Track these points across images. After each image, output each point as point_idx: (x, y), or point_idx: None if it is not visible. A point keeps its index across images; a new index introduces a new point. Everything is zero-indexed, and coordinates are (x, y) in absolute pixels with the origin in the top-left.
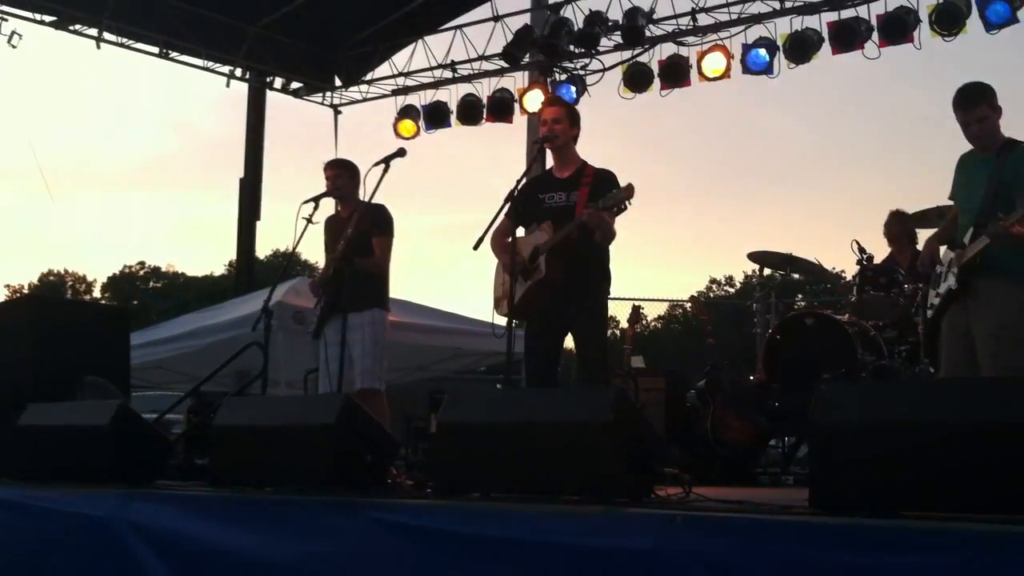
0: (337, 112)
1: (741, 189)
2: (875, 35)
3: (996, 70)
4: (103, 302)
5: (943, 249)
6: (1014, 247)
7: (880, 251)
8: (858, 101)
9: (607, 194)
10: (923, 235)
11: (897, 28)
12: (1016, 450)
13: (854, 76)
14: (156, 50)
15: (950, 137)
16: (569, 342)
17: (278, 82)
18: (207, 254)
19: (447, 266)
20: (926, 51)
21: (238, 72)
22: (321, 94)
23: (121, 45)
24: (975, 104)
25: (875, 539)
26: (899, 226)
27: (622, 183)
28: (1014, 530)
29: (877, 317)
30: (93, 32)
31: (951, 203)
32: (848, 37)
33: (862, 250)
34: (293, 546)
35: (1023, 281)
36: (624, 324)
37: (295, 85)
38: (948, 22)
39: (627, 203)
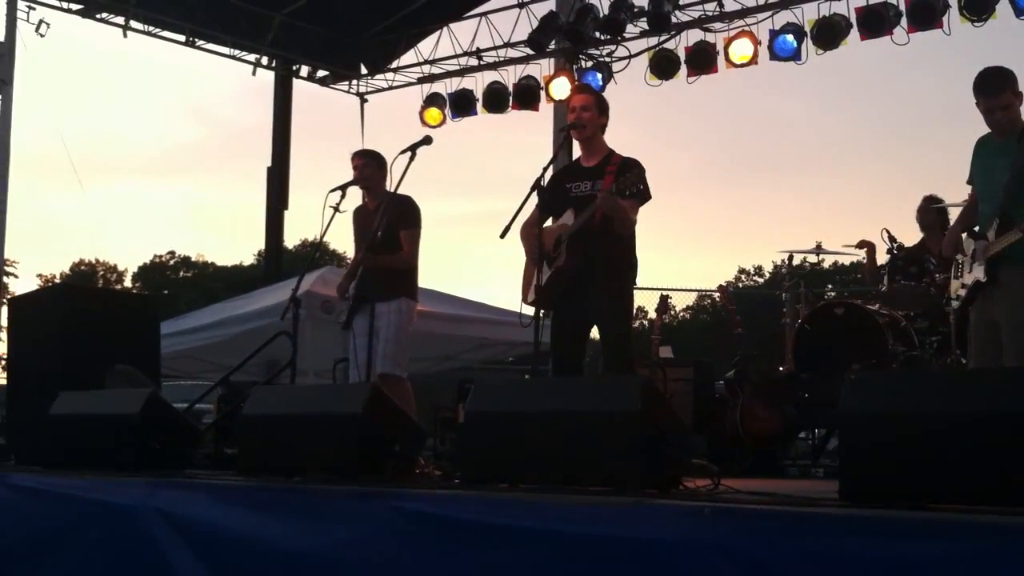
0: (363, 100)
1: (770, 177)
2: (904, 20)
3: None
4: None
5: (965, 236)
6: None
7: (912, 239)
8: (885, 87)
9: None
10: None
11: (926, 13)
12: None
13: (881, 61)
14: (182, 39)
15: (976, 124)
16: (595, 332)
17: (304, 70)
18: (236, 243)
19: (474, 254)
20: (954, 37)
21: (264, 61)
22: (347, 82)
23: (147, 33)
24: (1000, 91)
25: (906, 531)
26: (932, 213)
27: (649, 171)
28: None
29: (908, 307)
30: (120, 20)
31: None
32: (877, 22)
33: (892, 239)
34: (320, 535)
35: None
36: (652, 314)
37: (321, 73)
38: (978, 7)
39: (640, 187)
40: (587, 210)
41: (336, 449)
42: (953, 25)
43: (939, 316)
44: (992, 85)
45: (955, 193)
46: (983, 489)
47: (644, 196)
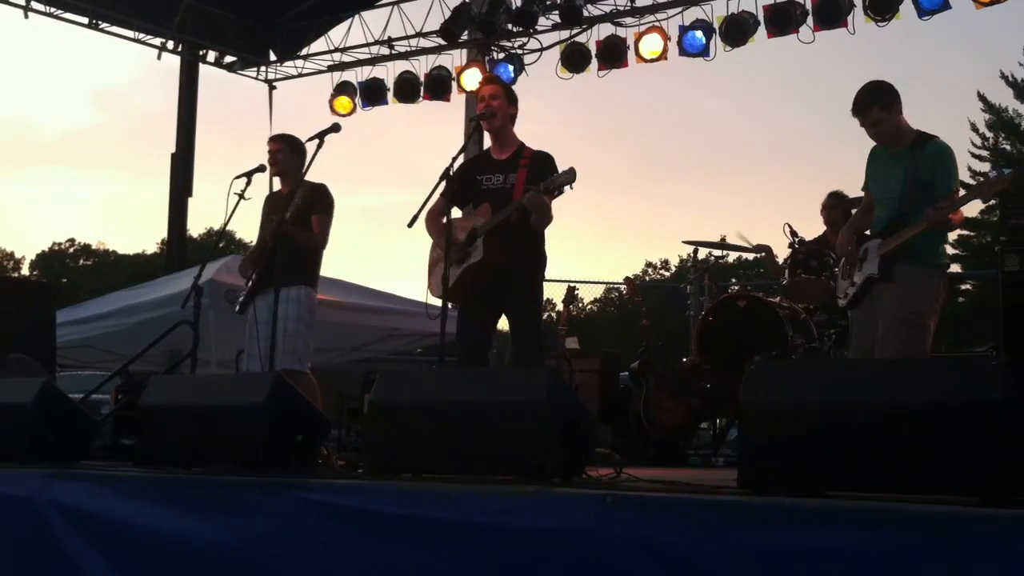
0: (272, 87)
1: (677, 172)
2: (810, 19)
3: (929, 55)
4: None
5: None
6: (929, 235)
7: (814, 233)
8: (794, 85)
9: (547, 177)
10: None
11: (831, 12)
12: (940, 430)
13: (790, 60)
14: (85, 20)
15: None
16: (503, 324)
17: (211, 55)
18: (138, 231)
19: (383, 245)
20: (860, 36)
21: (170, 45)
22: (255, 69)
23: (49, 15)
24: (865, 110)
25: (801, 519)
26: (837, 209)
27: (561, 166)
28: (938, 510)
29: (808, 300)
30: (21, 1)
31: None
32: (783, 21)
33: (794, 233)
34: (222, 527)
35: (930, 268)
36: (560, 306)
37: (229, 59)
38: (882, 7)
39: (569, 187)
40: (509, 206)
41: (239, 440)
42: (858, 24)
43: (837, 309)
44: (857, 105)
45: (858, 189)
46: (879, 478)
47: (561, 191)
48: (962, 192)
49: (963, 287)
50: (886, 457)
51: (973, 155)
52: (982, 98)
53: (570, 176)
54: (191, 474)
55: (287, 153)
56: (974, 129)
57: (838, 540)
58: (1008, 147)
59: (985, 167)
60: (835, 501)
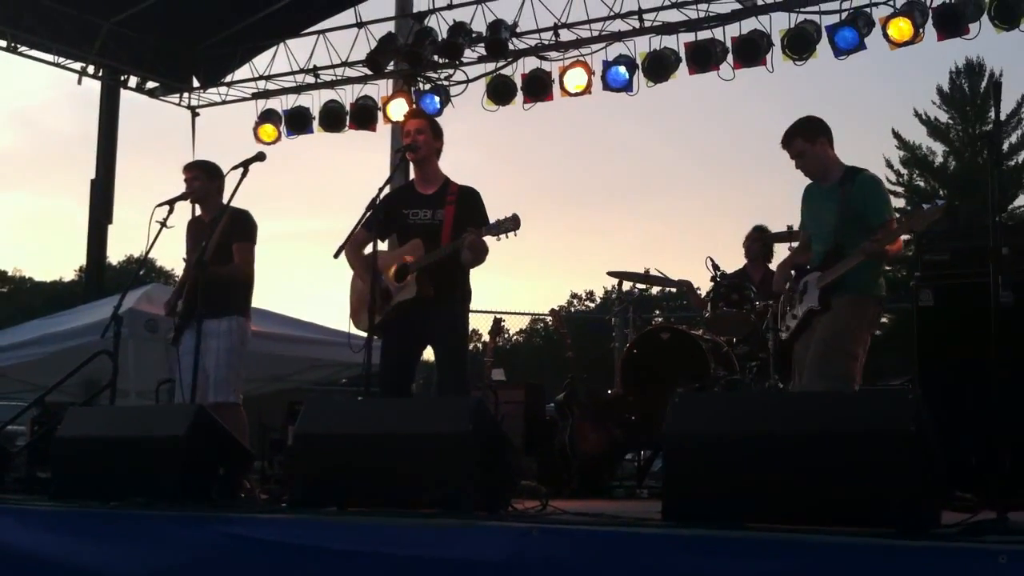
0: (195, 114)
1: (602, 204)
2: (730, 57)
3: (846, 93)
4: None
5: (794, 274)
6: (864, 267)
7: (735, 266)
8: (716, 120)
9: (475, 212)
10: (780, 252)
11: (750, 51)
12: (858, 461)
13: (712, 95)
14: (4, 44)
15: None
16: (428, 355)
17: (133, 80)
18: (56, 258)
19: (307, 274)
20: (780, 73)
21: (91, 69)
22: (178, 95)
23: None
24: (789, 142)
25: (725, 549)
26: (759, 242)
27: (488, 199)
28: (856, 541)
29: (730, 333)
30: None
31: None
32: (704, 58)
33: (716, 267)
34: (138, 561)
35: (865, 297)
36: (486, 336)
37: (151, 84)
38: (799, 47)
39: (514, 234)
40: (449, 245)
41: (158, 472)
42: (776, 63)
43: (759, 342)
44: (784, 138)
45: (779, 223)
46: (800, 508)
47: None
48: (896, 223)
49: (883, 320)
50: (807, 487)
51: (888, 191)
52: (897, 135)
53: (515, 223)
54: (108, 507)
55: (203, 180)
56: (889, 165)
57: (760, 570)
58: (922, 183)
59: (900, 202)
60: (757, 532)
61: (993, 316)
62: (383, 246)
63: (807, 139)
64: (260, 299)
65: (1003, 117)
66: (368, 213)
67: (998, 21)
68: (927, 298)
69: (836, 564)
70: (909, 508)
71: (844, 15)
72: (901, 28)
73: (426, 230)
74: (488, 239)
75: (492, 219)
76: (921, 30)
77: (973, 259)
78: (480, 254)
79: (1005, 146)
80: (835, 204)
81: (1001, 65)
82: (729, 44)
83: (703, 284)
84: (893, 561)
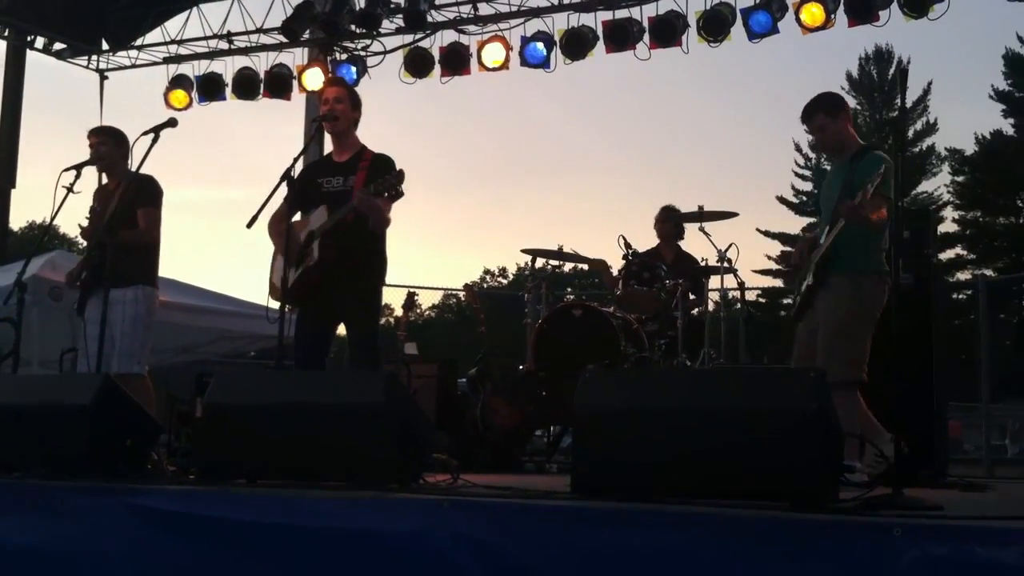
0: (104, 77)
1: (518, 180)
2: (646, 37)
3: (758, 77)
4: None
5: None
6: (860, 241)
7: (647, 245)
8: (632, 99)
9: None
10: (690, 230)
11: (666, 31)
12: (760, 438)
13: (629, 74)
14: None
15: (714, 138)
16: (342, 328)
17: (40, 42)
18: None
19: (218, 245)
20: (695, 55)
21: None
22: (86, 57)
23: None
24: (811, 115)
25: (632, 521)
26: (670, 222)
27: (409, 176)
28: (755, 514)
29: (640, 311)
30: None
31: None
32: (621, 37)
33: (628, 245)
34: (42, 532)
35: (864, 277)
36: (399, 311)
37: (58, 46)
38: (714, 29)
39: (398, 188)
40: (342, 208)
41: (63, 443)
42: (692, 44)
43: (668, 320)
44: (805, 111)
45: (691, 203)
46: (705, 482)
47: (398, 194)
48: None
49: (785, 301)
50: (712, 462)
51: (796, 174)
52: None
53: (398, 177)
54: (10, 478)
55: (111, 146)
56: (798, 149)
57: (663, 541)
58: (829, 167)
59: (807, 186)
60: (663, 506)
61: (894, 297)
62: (299, 218)
63: (829, 114)
64: (170, 269)
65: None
66: (281, 183)
67: (907, 9)
68: None
69: (738, 537)
70: (808, 483)
71: None
72: (813, 13)
73: (335, 197)
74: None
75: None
76: (833, 16)
77: None
78: (372, 212)
79: (910, 133)
80: (841, 180)
81: (909, 53)
82: (646, 24)
83: (615, 262)
84: (792, 534)
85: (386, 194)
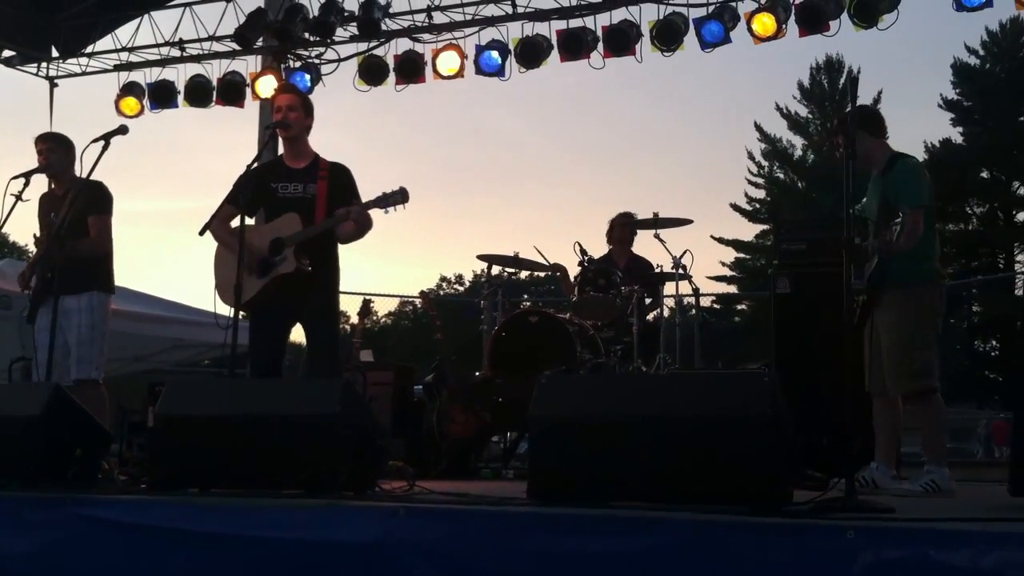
0: (53, 85)
1: (473, 188)
2: (600, 46)
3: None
4: None
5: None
6: (905, 257)
7: (601, 252)
8: (586, 107)
9: (347, 188)
10: (643, 236)
11: (620, 41)
12: (715, 442)
13: (583, 83)
14: None
15: (668, 146)
16: (297, 335)
17: None
18: None
19: (171, 254)
20: (648, 64)
21: None
22: (36, 64)
23: None
24: (835, 133)
25: (587, 527)
26: (626, 228)
27: (359, 177)
28: (709, 518)
29: (596, 317)
30: None
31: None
32: (575, 45)
33: (584, 251)
34: None
35: (914, 288)
36: (354, 318)
37: (7, 53)
38: (667, 38)
39: (402, 206)
40: (333, 218)
41: (13, 454)
42: (645, 53)
43: (624, 326)
44: (831, 129)
45: (645, 210)
46: (660, 487)
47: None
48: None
49: (739, 307)
50: (667, 467)
51: (749, 182)
52: (759, 128)
53: (403, 196)
54: None
55: (60, 153)
56: (751, 157)
57: (619, 546)
58: (781, 175)
59: (760, 193)
60: (617, 510)
61: (845, 303)
62: (250, 221)
63: (843, 132)
64: (123, 278)
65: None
66: (235, 190)
67: (857, 20)
68: (784, 285)
69: (695, 541)
70: (764, 486)
71: (711, 8)
72: (765, 23)
73: (298, 204)
74: (375, 213)
75: (362, 197)
76: (784, 26)
77: (828, 249)
78: (365, 228)
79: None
80: (877, 194)
81: (859, 63)
82: (600, 33)
83: (571, 269)
84: (748, 537)
85: (386, 210)
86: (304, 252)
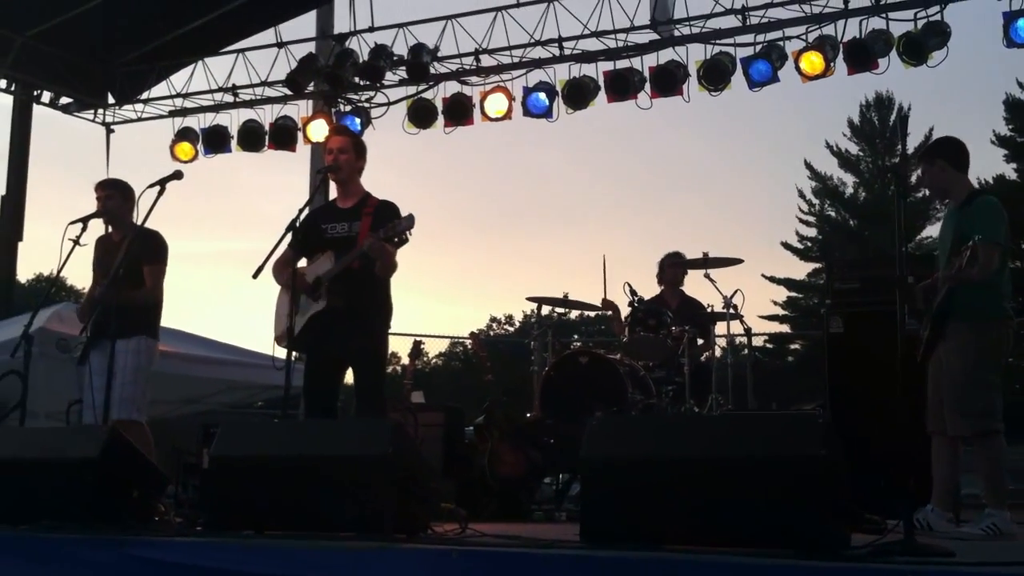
0: (110, 131)
1: (522, 229)
2: (647, 86)
3: (760, 124)
4: None
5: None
6: (977, 287)
7: (651, 292)
8: (633, 147)
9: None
10: (693, 277)
11: (667, 81)
12: (768, 485)
13: (630, 123)
14: None
15: (717, 185)
16: (349, 376)
17: (46, 96)
18: None
19: (224, 295)
20: (696, 103)
21: (3, 84)
22: (92, 111)
23: None
24: (918, 161)
25: (637, 570)
26: (673, 268)
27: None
28: (765, 562)
29: (646, 357)
30: None
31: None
32: (622, 86)
33: (633, 292)
34: None
35: (980, 324)
36: (405, 359)
37: (65, 100)
38: (714, 78)
39: (408, 234)
40: (350, 253)
41: (70, 495)
42: (692, 93)
43: (675, 367)
44: (918, 157)
45: (695, 249)
46: (713, 530)
47: (404, 240)
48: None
49: (792, 346)
50: (719, 509)
51: (800, 220)
52: (809, 166)
53: (409, 222)
54: (17, 530)
55: (118, 200)
56: (801, 195)
57: None
58: (833, 213)
59: (811, 231)
60: (672, 554)
61: (900, 343)
62: (305, 264)
63: (925, 160)
64: (176, 320)
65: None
66: (287, 234)
67: (906, 57)
68: (837, 325)
69: None
70: (819, 530)
71: (758, 48)
72: (813, 62)
73: (340, 242)
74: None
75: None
76: (832, 64)
77: (881, 287)
78: (382, 258)
79: (912, 178)
80: (951, 228)
81: (909, 99)
82: (647, 73)
83: (621, 310)
84: None
85: (396, 240)
86: (340, 288)
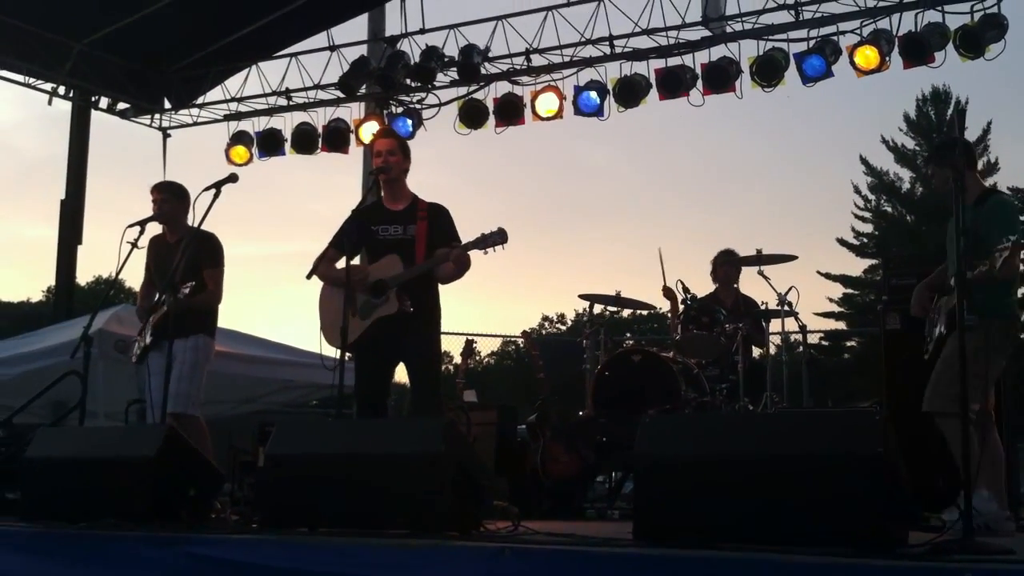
0: (166, 135)
1: (574, 227)
2: (699, 83)
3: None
4: None
5: (936, 296)
6: (984, 290)
7: (704, 289)
8: (685, 144)
9: (446, 228)
10: (747, 274)
11: (719, 77)
12: (825, 482)
13: (682, 120)
14: None
15: (771, 181)
16: (401, 374)
17: (104, 102)
18: (24, 279)
19: (279, 297)
20: (748, 100)
21: (61, 90)
22: (149, 116)
23: None
24: (926, 164)
25: (694, 569)
26: (728, 265)
27: (458, 219)
28: (823, 560)
29: (700, 355)
30: None
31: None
32: (674, 84)
33: (686, 290)
34: None
35: (989, 321)
36: (457, 358)
37: (122, 106)
38: (767, 74)
39: (502, 247)
40: (433, 259)
41: (128, 493)
42: (745, 89)
43: (728, 364)
44: (929, 157)
45: (748, 246)
46: (769, 528)
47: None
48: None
49: (848, 343)
50: (774, 508)
51: (856, 216)
52: (864, 161)
53: (502, 237)
54: (77, 528)
55: (173, 203)
56: (857, 191)
57: None
58: (889, 209)
59: (868, 228)
60: (726, 552)
61: (960, 339)
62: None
63: (934, 162)
64: (232, 321)
65: None
66: (338, 231)
67: (963, 51)
68: (894, 321)
69: None
70: (876, 529)
71: (812, 43)
72: (868, 56)
73: (398, 245)
74: (474, 253)
75: (462, 237)
76: (887, 58)
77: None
78: (463, 268)
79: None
80: (964, 225)
81: (967, 93)
82: (698, 70)
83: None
84: None
85: (485, 251)
86: (405, 293)
